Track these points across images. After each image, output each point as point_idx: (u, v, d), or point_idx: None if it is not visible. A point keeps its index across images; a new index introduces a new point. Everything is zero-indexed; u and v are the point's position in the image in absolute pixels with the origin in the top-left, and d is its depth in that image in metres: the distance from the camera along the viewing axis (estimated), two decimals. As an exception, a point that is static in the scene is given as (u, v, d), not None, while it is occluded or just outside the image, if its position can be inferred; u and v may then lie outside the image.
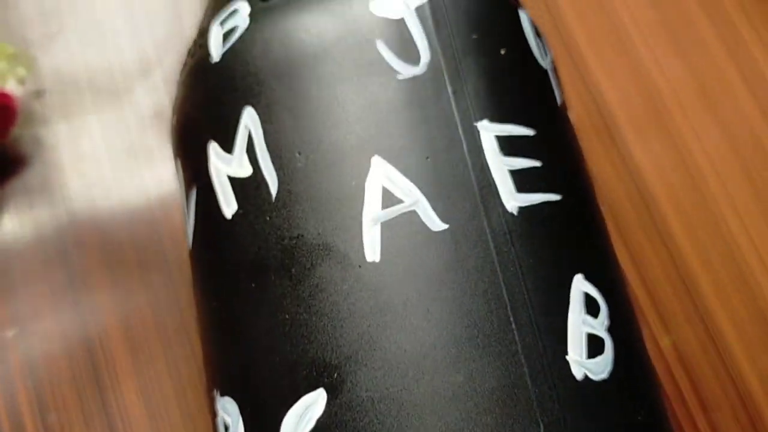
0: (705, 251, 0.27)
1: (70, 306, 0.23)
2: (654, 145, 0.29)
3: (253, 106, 0.17)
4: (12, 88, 0.24)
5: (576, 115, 0.30)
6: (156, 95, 0.26)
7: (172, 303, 0.24)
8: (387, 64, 0.17)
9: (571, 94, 0.30)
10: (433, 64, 0.17)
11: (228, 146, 0.17)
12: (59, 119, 0.25)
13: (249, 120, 0.17)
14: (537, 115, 0.18)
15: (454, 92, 0.17)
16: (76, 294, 0.23)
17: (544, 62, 0.19)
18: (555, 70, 0.20)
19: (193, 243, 0.19)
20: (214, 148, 0.18)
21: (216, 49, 0.18)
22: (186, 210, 0.19)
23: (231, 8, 0.19)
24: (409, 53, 0.17)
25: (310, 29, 0.17)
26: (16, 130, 0.25)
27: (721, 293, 0.26)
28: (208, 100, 0.18)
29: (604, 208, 0.29)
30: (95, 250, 0.24)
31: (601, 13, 0.30)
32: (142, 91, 0.26)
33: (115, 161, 0.25)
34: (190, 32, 0.27)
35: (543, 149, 0.17)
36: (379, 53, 0.17)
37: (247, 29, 0.18)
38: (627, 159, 0.29)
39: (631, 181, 0.29)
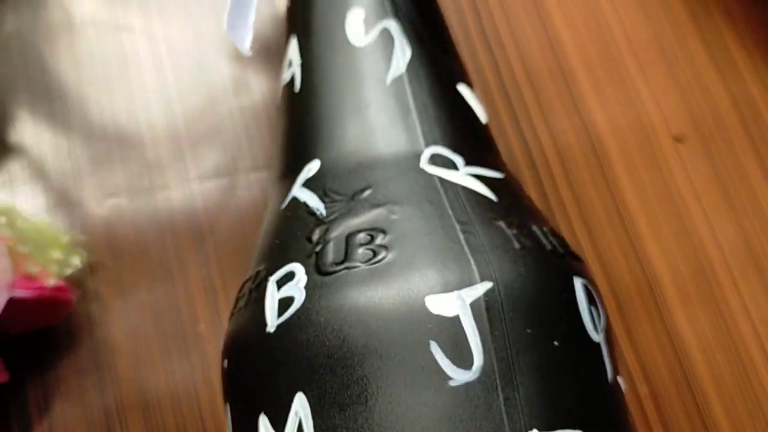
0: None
1: (114, 497, 0.24)
2: (700, 318, 0.29)
3: (305, 393, 0.17)
4: (67, 273, 0.24)
5: (623, 283, 0.30)
6: (207, 269, 0.26)
7: (213, 494, 0.24)
8: (439, 368, 0.17)
9: (620, 261, 0.29)
10: (485, 369, 0.17)
11: (279, 426, 0.18)
12: (112, 295, 0.26)
13: (300, 407, 0.17)
14: (588, 411, 0.18)
15: (506, 399, 0.17)
16: (120, 484, 0.24)
17: (598, 335, 0.19)
18: (609, 337, 0.20)
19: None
20: (264, 423, 0.18)
21: (271, 317, 0.19)
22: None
23: (287, 269, 0.19)
24: (462, 356, 0.17)
25: (365, 320, 0.17)
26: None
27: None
28: (261, 370, 0.18)
29: (645, 387, 0.29)
30: (141, 437, 0.24)
31: (655, 171, 0.30)
32: (193, 264, 0.26)
33: (164, 340, 0.26)
34: (242, 205, 0.27)
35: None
36: (432, 356, 0.17)
37: (302, 306, 0.18)
38: (672, 332, 0.29)
39: (675, 356, 0.29)
